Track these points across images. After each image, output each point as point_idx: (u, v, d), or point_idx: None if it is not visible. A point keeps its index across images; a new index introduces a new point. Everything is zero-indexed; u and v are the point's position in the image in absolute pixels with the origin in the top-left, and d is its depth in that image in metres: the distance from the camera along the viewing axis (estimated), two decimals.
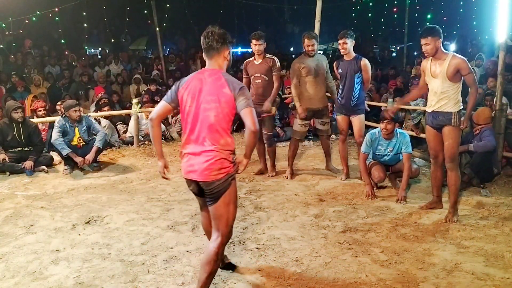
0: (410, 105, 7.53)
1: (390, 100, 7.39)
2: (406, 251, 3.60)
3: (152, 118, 2.81)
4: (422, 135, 6.97)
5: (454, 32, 19.12)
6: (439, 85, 4.12)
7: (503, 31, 5.19)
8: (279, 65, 5.62)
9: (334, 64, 5.60)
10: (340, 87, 5.52)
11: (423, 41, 4.09)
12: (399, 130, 4.99)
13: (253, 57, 5.65)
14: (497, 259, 3.45)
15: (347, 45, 5.25)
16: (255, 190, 5.16)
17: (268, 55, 5.60)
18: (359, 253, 3.56)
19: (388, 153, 5.03)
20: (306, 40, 5.45)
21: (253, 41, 5.44)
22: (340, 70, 5.44)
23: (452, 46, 14.82)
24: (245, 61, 5.78)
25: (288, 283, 3.10)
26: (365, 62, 5.37)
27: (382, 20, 22.06)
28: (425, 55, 4.20)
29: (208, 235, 2.98)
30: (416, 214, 4.41)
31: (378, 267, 3.34)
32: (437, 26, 4.09)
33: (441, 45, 4.07)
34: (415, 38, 17.89)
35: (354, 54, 5.36)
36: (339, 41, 5.31)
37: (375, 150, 5.08)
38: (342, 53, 5.39)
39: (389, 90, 8.59)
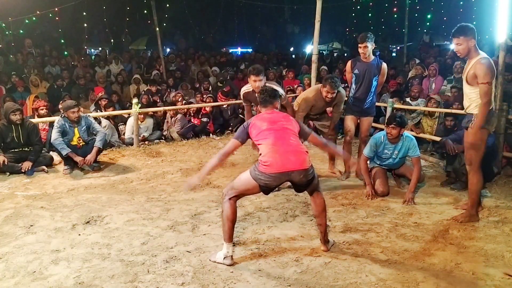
0: (411, 105, 7.55)
1: (390, 100, 7.39)
2: (406, 251, 3.60)
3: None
4: (422, 135, 7.00)
5: None
6: (464, 86, 4.06)
7: (503, 31, 5.18)
8: (284, 93, 5.21)
9: (350, 64, 5.45)
10: (354, 87, 5.41)
11: (455, 41, 3.94)
12: (405, 134, 4.95)
13: (251, 89, 5.09)
14: (497, 259, 3.45)
15: (367, 49, 5.15)
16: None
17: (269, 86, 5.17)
18: (359, 253, 3.56)
19: (394, 157, 5.02)
20: (328, 86, 5.16)
21: (252, 77, 4.87)
22: (356, 71, 5.32)
23: (452, 46, 14.83)
24: (243, 92, 5.27)
25: (288, 283, 3.10)
26: (385, 66, 5.37)
27: (382, 20, 22.05)
28: (458, 55, 4.06)
29: (233, 224, 3.37)
30: (416, 214, 4.42)
31: (378, 267, 3.34)
32: (470, 25, 3.91)
33: (475, 44, 3.89)
34: (415, 38, 17.94)
35: (373, 57, 5.31)
36: (360, 45, 5.16)
37: (381, 153, 5.06)
38: (362, 56, 5.25)
39: (389, 90, 8.59)
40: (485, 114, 3.91)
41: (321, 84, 5.40)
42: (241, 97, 5.38)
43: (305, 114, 5.43)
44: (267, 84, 4.83)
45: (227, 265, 3.32)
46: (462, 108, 4.42)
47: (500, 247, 3.65)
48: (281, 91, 4.92)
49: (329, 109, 5.83)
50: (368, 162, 5.16)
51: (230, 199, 3.35)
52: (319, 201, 3.47)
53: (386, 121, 4.93)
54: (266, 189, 3.35)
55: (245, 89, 5.24)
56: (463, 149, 5.10)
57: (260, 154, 3.31)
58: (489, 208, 4.54)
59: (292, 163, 3.22)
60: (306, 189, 3.45)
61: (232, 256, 3.38)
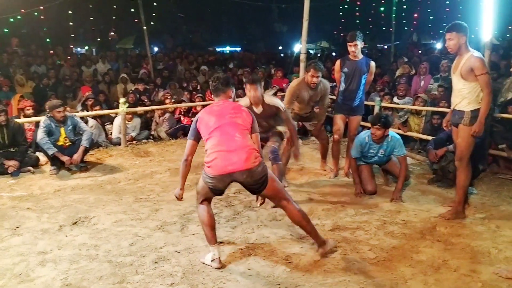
0: (398, 104, 7.61)
1: (377, 99, 7.43)
2: (394, 248, 3.63)
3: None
4: (409, 134, 7.06)
5: (441, 31, 19.33)
6: (456, 82, 4.08)
7: (488, 30, 5.24)
8: (284, 107, 4.66)
9: (339, 63, 5.43)
10: (343, 86, 5.40)
11: (447, 36, 4.00)
12: (391, 133, 4.96)
13: (248, 102, 4.57)
14: (484, 256, 3.49)
15: (358, 47, 5.16)
16: (244, 189, 5.14)
17: (268, 100, 4.57)
18: (348, 251, 3.58)
19: (380, 155, 5.05)
20: (312, 70, 5.04)
21: (248, 86, 4.47)
22: (346, 70, 5.31)
23: (439, 45, 14.98)
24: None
25: (278, 282, 3.11)
26: (373, 64, 5.39)
27: (370, 19, 22.21)
28: (448, 50, 4.10)
29: (210, 227, 3.31)
30: (404, 212, 4.45)
31: (367, 264, 3.36)
32: (463, 23, 3.98)
33: (466, 42, 3.95)
34: (402, 37, 18.11)
35: (361, 55, 5.32)
36: (350, 43, 5.15)
37: (366, 153, 5.06)
38: (352, 55, 5.25)
39: (376, 89, 8.64)
40: (489, 104, 3.95)
41: (305, 74, 5.32)
42: None
43: (291, 107, 5.25)
44: (265, 97, 4.60)
45: (216, 268, 3.26)
46: (449, 106, 4.45)
47: (486, 244, 3.69)
48: (281, 104, 4.60)
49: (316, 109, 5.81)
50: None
51: (200, 203, 3.33)
52: (290, 213, 3.31)
53: (371, 121, 4.93)
54: (215, 191, 3.25)
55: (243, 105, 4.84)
56: (444, 152, 5.17)
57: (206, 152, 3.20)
58: (476, 205, 4.60)
59: (233, 164, 3.08)
60: (260, 190, 3.24)
61: (219, 258, 3.30)
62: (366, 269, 3.28)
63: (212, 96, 3.45)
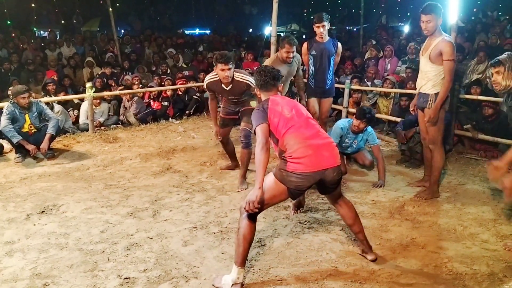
0: (367, 86, 7.70)
1: (347, 81, 7.50)
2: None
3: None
4: (378, 116, 7.17)
5: (408, 14, 19.61)
6: (424, 64, 4.10)
7: (454, 13, 5.33)
8: (254, 83, 4.44)
9: (306, 45, 5.42)
10: (312, 69, 5.41)
11: (424, 18, 3.90)
12: None
13: (217, 78, 4.56)
14: (450, 233, 3.62)
15: (325, 28, 5.17)
16: (216, 174, 5.14)
17: (238, 77, 4.52)
18: (320, 232, 3.64)
19: (354, 146, 5.12)
20: (286, 45, 4.83)
21: (220, 66, 4.34)
22: (314, 52, 5.31)
23: (406, 28, 15.18)
24: (207, 82, 4.70)
25: (251, 264, 3.13)
26: (340, 45, 5.42)
27: (339, 1, 22.25)
28: (425, 32, 4.03)
29: (249, 244, 2.85)
30: (373, 192, 4.55)
31: (338, 244, 3.43)
32: (438, 4, 3.91)
33: (440, 24, 3.93)
34: (371, 20, 18.23)
35: (328, 37, 5.33)
36: (318, 25, 5.15)
37: (342, 143, 5.10)
38: (319, 36, 5.24)
39: (345, 71, 8.72)
40: (448, 91, 4.01)
41: (278, 52, 5.19)
42: (205, 86, 4.89)
43: None
44: (236, 73, 4.53)
45: None
46: (416, 88, 4.53)
47: (452, 221, 3.83)
48: (252, 81, 4.40)
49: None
50: None
51: (251, 215, 2.80)
52: (349, 206, 3.10)
53: (356, 114, 4.88)
54: (296, 192, 2.85)
55: (209, 78, 4.68)
56: (413, 133, 5.28)
57: (285, 150, 2.81)
58: (442, 184, 4.74)
59: (326, 159, 2.78)
60: (335, 190, 2.98)
61: (242, 283, 2.85)
62: (337, 249, 3.35)
63: (258, 91, 3.13)
